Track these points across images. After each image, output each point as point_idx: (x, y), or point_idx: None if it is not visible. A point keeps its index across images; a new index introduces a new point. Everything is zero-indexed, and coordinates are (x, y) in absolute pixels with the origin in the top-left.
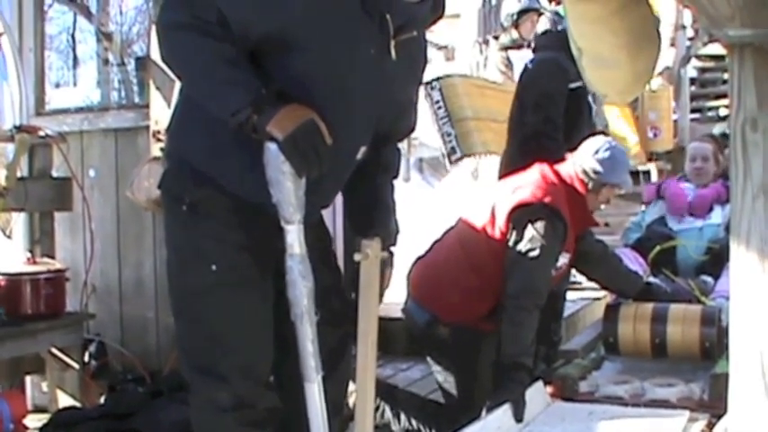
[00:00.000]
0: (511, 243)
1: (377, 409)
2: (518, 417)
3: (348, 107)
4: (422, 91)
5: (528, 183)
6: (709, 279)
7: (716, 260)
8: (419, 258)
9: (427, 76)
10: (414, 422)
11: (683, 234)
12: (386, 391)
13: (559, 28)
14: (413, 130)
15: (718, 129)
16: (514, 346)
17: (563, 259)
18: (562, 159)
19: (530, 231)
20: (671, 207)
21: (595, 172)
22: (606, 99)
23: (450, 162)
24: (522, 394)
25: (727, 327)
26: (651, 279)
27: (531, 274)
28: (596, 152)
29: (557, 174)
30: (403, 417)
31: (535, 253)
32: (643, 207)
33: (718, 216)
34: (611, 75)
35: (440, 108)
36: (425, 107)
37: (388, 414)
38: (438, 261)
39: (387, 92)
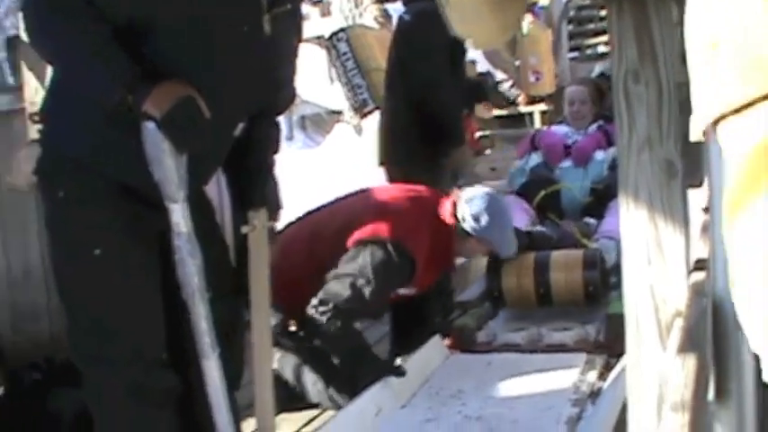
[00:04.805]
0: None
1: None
2: (401, 372)
3: (222, 85)
4: (319, 47)
5: (394, 211)
6: (592, 221)
7: (599, 201)
8: (289, 225)
9: (326, 30)
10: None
11: (566, 175)
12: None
13: None
14: (291, 102)
15: (598, 67)
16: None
17: (405, 291)
18: (456, 118)
19: (364, 261)
20: (549, 158)
21: (475, 222)
22: (473, 46)
23: (362, 115)
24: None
25: (611, 267)
26: (535, 228)
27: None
28: (472, 202)
29: (432, 207)
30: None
31: (360, 282)
32: None
33: (600, 155)
34: (474, 28)
35: (348, 59)
36: (325, 61)
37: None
38: (289, 253)
39: (262, 68)
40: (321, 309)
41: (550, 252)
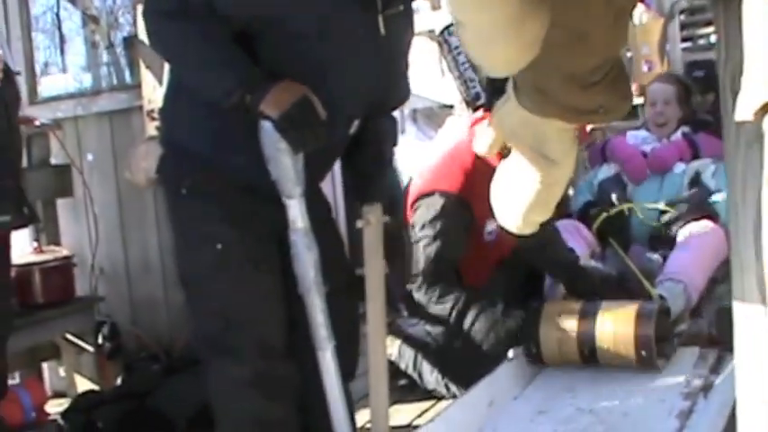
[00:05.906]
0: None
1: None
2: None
3: (338, 85)
4: (430, 40)
5: (431, 165)
6: (656, 257)
7: (670, 228)
8: None
9: (437, 24)
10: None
11: (639, 192)
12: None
13: None
14: (406, 99)
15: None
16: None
17: (491, 226)
18: None
19: (419, 220)
20: (630, 175)
21: None
22: (492, 72)
23: (474, 108)
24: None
25: (677, 317)
26: (590, 263)
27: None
28: None
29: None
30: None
31: (427, 241)
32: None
33: (680, 167)
34: (497, 49)
35: (460, 53)
36: (436, 55)
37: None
38: None
39: (377, 67)
40: (421, 288)
41: (599, 303)
